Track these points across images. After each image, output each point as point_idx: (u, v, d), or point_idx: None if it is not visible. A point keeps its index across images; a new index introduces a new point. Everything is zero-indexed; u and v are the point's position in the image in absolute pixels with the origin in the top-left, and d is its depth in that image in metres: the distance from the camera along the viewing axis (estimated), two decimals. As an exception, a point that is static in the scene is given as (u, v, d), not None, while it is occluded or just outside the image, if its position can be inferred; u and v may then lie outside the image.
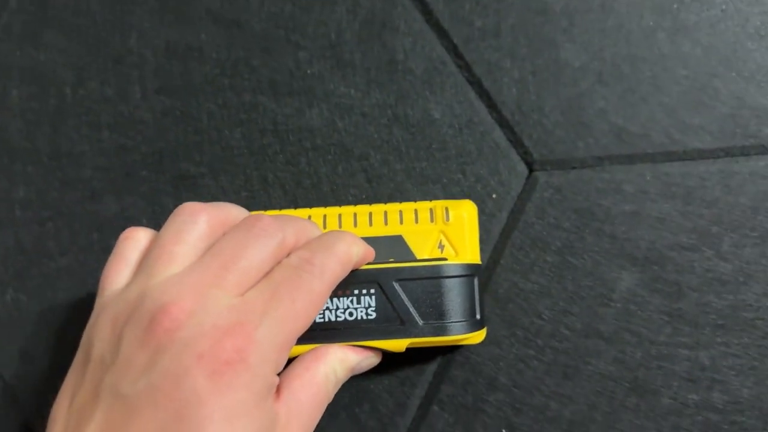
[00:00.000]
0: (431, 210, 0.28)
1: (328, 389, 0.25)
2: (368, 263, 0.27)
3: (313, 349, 0.26)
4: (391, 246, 0.28)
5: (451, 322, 0.26)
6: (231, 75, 0.32)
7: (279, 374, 0.23)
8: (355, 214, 0.28)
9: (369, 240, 0.27)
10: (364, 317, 0.26)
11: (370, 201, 0.32)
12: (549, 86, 0.32)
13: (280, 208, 0.32)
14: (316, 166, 0.32)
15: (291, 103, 0.32)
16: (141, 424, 0.20)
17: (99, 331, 0.22)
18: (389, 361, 0.29)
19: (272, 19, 0.32)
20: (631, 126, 0.31)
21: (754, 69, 0.31)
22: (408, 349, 0.27)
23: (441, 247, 0.28)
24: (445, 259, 0.27)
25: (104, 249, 0.32)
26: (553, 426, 0.30)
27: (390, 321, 0.26)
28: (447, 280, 0.26)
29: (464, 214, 0.28)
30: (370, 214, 0.28)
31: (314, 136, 0.32)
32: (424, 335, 0.26)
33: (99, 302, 0.24)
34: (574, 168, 0.32)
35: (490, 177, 0.32)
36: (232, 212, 0.25)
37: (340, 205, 0.30)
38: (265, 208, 0.32)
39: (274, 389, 0.22)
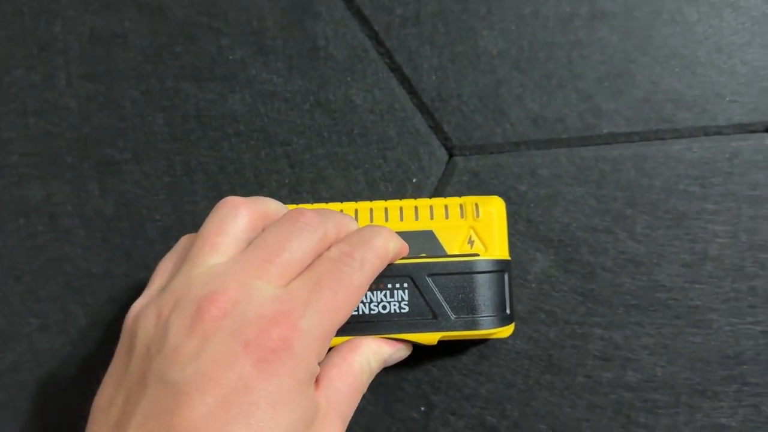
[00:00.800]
0: (461, 206, 0.29)
1: (363, 379, 0.26)
2: (401, 258, 0.27)
3: (348, 341, 0.26)
4: (422, 241, 0.28)
5: (483, 316, 0.27)
6: (154, 61, 0.33)
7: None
8: (386, 209, 0.29)
9: (400, 235, 0.28)
10: (397, 311, 0.27)
11: (292, 186, 0.32)
12: (468, 73, 0.32)
13: (203, 193, 0.32)
14: (239, 152, 0.32)
15: (213, 89, 0.32)
16: (189, 409, 0.20)
17: (144, 321, 0.23)
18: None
19: (195, 5, 0.33)
20: (547, 112, 0.32)
21: (668, 54, 0.32)
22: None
23: (470, 242, 0.28)
24: (478, 255, 0.28)
25: (30, 234, 0.32)
26: (470, 403, 0.31)
27: (422, 315, 0.27)
28: (479, 276, 0.27)
29: (493, 210, 0.29)
30: (401, 209, 0.29)
31: (237, 121, 0.32)
32: (456, 329, 0.27)
33: (146, 293, 0.25)
34: (492, 153, 0.32)
35: (411, 162, 0.32)
36: (271, 206, 0.26)
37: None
38: (189, 194, 0.32)
39: (315, 378, 0.23)
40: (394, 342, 0.27)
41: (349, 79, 0.32)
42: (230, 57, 0.32)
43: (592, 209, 0.31)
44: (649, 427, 0.31)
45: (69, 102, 0.33)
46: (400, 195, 0.32)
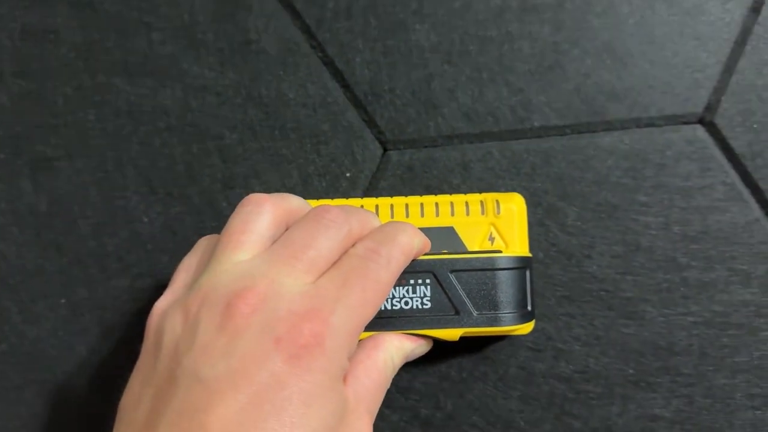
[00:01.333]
0: (482, 202, 0.29)
1: (387, 375, 0.26)
2: (424, 254, 0.27)
3: (371, 337, 0.26)
4: (443, 237, 0.28)
5: (505, 313, 0.27)
6: (86, 57, 0.32)
7: None
8: (406, 205, 0.29)
9: (421, 231, 0.28)
10: (420, 306, 0.27)
11: (225, 180, 0.32)
12: (400, 67, 0.32)
13: (134, 188, 0.32)
14: (171, 147, 0.32)
15: (145, 83, 0.32)
16: (222, 406, 0.20)
17: (171, 319, 0.22)
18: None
19: (125, 0, 0.33)
20: (479, 105, 0.32)
21: (600, 47, 0.32)
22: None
23: (491, 239, 0.28)
24: (500, 252, 0.28)
25: (-38, 233, 0.32)
26: (404, 396, 0.31)
27: (444, 311, 0.27)
28: (501, 272, 0.27)
29: (514, 207, 0.29)
30: (422, 205, 0.29)
31: (168, 116, 0.32)
32: (478, 325, 0.27)
33: (170, 292, 0.24)
34: (425, 147, 0.32)
35: (345, 156, 0.32)
36: (294, 203, 0.26)
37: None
38: (120, 189, 0.32)
39: (344, 374, 0.23)
40: (415, 337, 0.27)
41: (281, 72, 0.32)
42: (161, 51, 0.32)
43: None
44: (582, 417, 0.31)
45: (1, 99, 0.33)
46: (334, 190, 0.32)
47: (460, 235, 0.28)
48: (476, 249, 0.28)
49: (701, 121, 0.32)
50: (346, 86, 0.32)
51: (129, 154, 0.32)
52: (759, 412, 0.31)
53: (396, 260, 0.25)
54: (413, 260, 0.27)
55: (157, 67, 0.32)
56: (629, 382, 0.31)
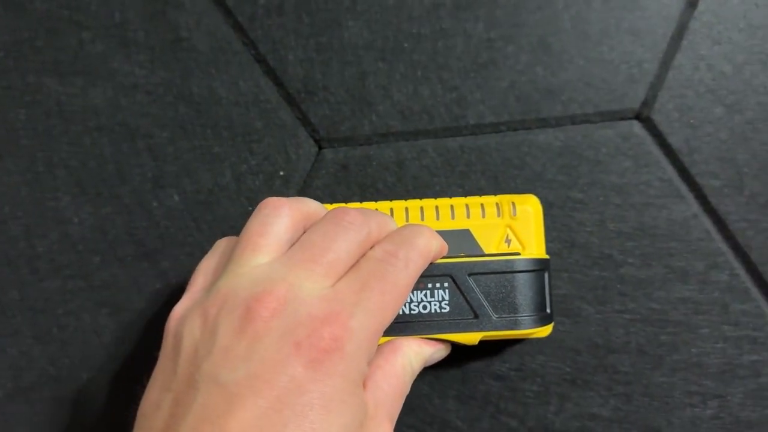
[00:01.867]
0: (497, 204, 0.28)
1: (406, 380, 0.25)
2: (441, 257, 0.27)
3: (389, 341, 0.26)
4: (459, 240, 0.28)
5: (524, 316, 0.27)
6: (16, 57, 0.32)
7: None
8: (421, 208, 0.28)
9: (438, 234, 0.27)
10: (438, 310, 0.26)
11: (156, 180, 0.32)
12: (334, 64, 0.32)
13: (65, 189, 0.32)
14: (101, 146, 0.32)
15: (75, 83, 0.32)
16: (242, 411, 0.20)
17: (190, 323, 0.22)
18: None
19: (56, -1, 0.32)
20: (413, 103, 0.32)
21: (534, 43, 0.32)
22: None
23: (508, 241, 0.28)
24: (518, 254, 0.27)
25: None
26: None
27: (463, 314, 0.26)
28: (520, 275, 0.27)
29: (530, 208, 0.28)
30: (437, 208, 0.28)
31: (98, 115, 0.32)
32: (497, 329, 0.26)
33: (188, 295, 0.24)
34: (360, 145, 0.32)
35: (278, 155, 0.32)
36: (312, 206, 0.25)
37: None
38: (51, 190, 0.32)
39: (364, 379, 0.23)
40: (433, 342, 0.27)
41: (213, 70, 0.32)
42: (92, 50, 0.32)
43: (457, 199, 0.31)
44: (519, 416, 0.31)
45: (-69, 99, 0.32)
46: (268, 188, 0.31)
47: (477, 237, 0.28)
48: (493, 251, 0.28)
49: (638, 117, 0.32)
50: (279, 84, 0.32)
51: (59, 155, 0.32)
52: (698, 409, 0.31)
53: (414, 263, 0.24)
54: (431, 264, 0.26)
55: (87, 66, 0.32)
56: (566, 381, 0.31)
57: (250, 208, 0.31)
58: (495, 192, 0.31)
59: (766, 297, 0.31)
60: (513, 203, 0.28)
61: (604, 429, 0.31)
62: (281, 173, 0.32)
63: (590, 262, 0.31)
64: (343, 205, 0.27)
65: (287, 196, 0.31)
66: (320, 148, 0.32)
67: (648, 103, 0.32)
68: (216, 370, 0.21)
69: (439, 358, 0.28)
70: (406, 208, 0.28)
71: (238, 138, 0.32)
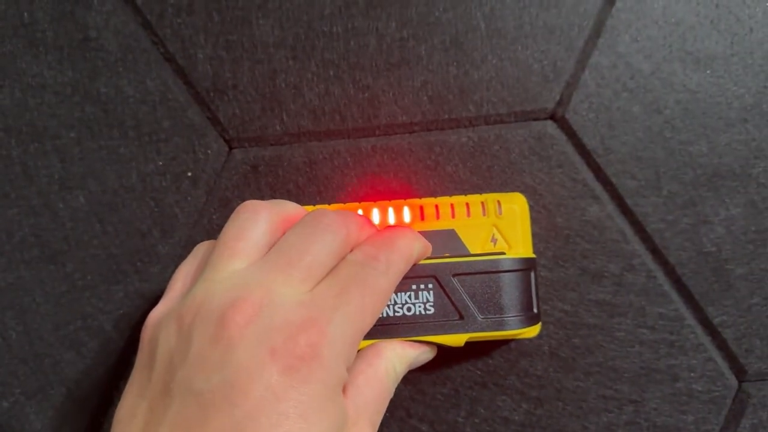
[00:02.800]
0: (483, 203, 0.28)
1: (389, 385, 0.25)
2: (425, 258, 0.26)
3: (372, 345, 0.26)
4: (444, 240, 0.27)
5: (510, 316, 0.26)
6: (-77, 56, 0.32)
7: None
8: (405, 208, 0.28)
9: (422, 234, 0.27)
10: (423, 312, 0.26)
11: (62, 181, 0.31)
12: (244, 63, 0.31)
13: (-29, 190, 0.31)
14: (8, 147, 0.31)
15: (-18, 83, 0.32)
16: (217, 420, 0.19)
17: (165, 330, 0.22)
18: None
19: (-37, -2, 0.32)
20: (325, 102, 0.31)
21: (447, 42, 0.31)
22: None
23: (494, 240, 0.27)
24: (503, 253, 0.27)
25: None
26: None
27: (448, 316, 0.26)
28: (505, 275, 0.26)
29: (516, 207, 0.28)
30: (421, 208, 0.28)
31: (5, 116, 0.31)
32: (483, 330, 0.26)
33: (164, 301, 0.24)
34: (271, 145, 0.31)
35: (186, 155, 0.31)
36: (290, 209, 0.25)
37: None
38: (-43, 191, 0.31)
39: (343, 385, 0.22)
40: (418, 344, 0.26)
41: (120, 69, 0.31)
42: (0, 50, 0.32)
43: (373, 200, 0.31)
44: (428, 420, 0.30)
45: None
46: (176, 189, 0.31)
47: (462, 237, 0.27)
48: (479, 251, 0.27)
49: (552, 117, 0.31)
50: (188, 83, 0.31)
51: (-34, 155, 0.31)
52: (612, 414, 0.30)
53: (396, 266, 0.24)
54: (415, 265, 0.26)
55: (-5, 66, 0.32)
56: (477, 384, 0.30)
57: (157, 210, 0.31)
58: (408, 194, 0.31)
59: (683, 300, 0.31)
60: (498, 202, 0.28)
61: (516, 434, 0.30)
62: (189, 174, 0.31)
63: (502, 264, 0.31)
64: (324, 206, 0.27)
65: (195, 196, 0.31)
66: (230, 148, 0.32)
67: (563, 102, 0.31)
68: (190, 379, 0.20)
69: (425, 361, 0.27)
70: (390, 209, 0.28)
71: (145, 138, 0.31)
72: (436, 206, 0.28)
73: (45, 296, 0.31)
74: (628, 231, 0.31)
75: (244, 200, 0.30)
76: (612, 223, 0.31)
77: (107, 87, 0.31)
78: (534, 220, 0.31)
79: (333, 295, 0.22)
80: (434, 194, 0.31)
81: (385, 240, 0.25)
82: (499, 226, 0.28)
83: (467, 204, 0.28)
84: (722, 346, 0.31)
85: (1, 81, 0.31)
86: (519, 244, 0.28)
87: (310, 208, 0.27)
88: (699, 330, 0.31)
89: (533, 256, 0.28)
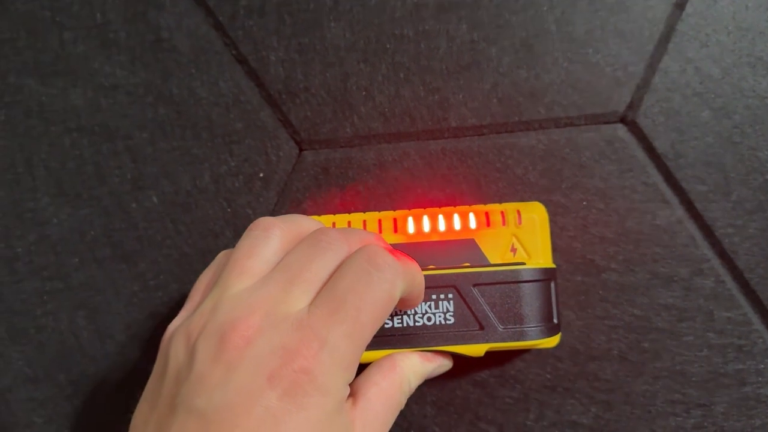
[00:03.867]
0: (503, 213, 0.28)
1: (401, 398, 0.25)
2: (445, 268, 0.26)
3: (389, 356, 0.26)
4: (464, 250, 0.27)
5: (530, 326, 0.26)
6: (-3, 56, 0.32)
7: (355, 380, 0.23)
8: (425, 217, 0.28)
9: (441, 244, 0.27)
10: (443, 322, 0.26)
11: (135, 181, 0.31)
12: (315, 65, 0.32)
13: (44, 189, 0.31)
14: (80, 147, 0.31)
15: (56, 83, 0.32)
16: None
17: (175, 344, 0.22)
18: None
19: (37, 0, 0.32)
20: (395, 105, 0.31)
21: (518, 45, 0.31)
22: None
23: (513, 250, 0.28)
24: (524, 264, 0.27)
25: None
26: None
27: (469, 326, 0.26)
28: (525, 285, 0.26)
29: (535, 216, 0.28)
30: (441, 218, 0.28)
31: (78, 116, 0.32)
32: (503, 340, 0.26)
33: (182, 312, 0.25)
34: (341, 147, 0.32)
35: (258, 157, 0.32)
36: (304, 225, 0.25)
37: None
38: (30, 191, 0.32)
39: (345, 400, 0.22)
40: (437, 356, 0.27)
41: (193, 71, 0.32)
42: (73, 51, 0.32)
43: (440, 204, 0.31)
44: (497, 423, 0.30)
45: None
46: (248, 191, 0.31)
47: (482, 247, 0.27)
48: (498, 261, 0.27)
49: (623, 121, 0.31)
50: (260, 85, 0.32)
51: (39, 155, 0.32)
52: (680, 418, 0.30)
53: (400, 272, 0.23)
54: (435, 275, 0.26)
55: (68, 66, 0.32)
56: (546, 388, 0.31)
57: (229, 210, 0.31)
58: (478, 197, 0.31)
59: (751, 304, 0.31)
60: (518, 211, 0.28)
61: (585, 437, 0.30)
62: (261, 175, 0.31)
63: (572, 268, 0.31)
64: (348, 217, 0.27)
65: (267, 198, 0.31)
66: (301, 149, 0.32)
67: (633, 106, 0.31)
68: (192, 396, 0.21)
69: (441, 372, 0.27)
70: (410, 218, 0.28)
71: (218, 139, 0.32)
72: (455, 215, 0.28)
73: (117, 296, 0.31)
74: (698, 236, 0.31)
75: (315, 201, 0.30)
76: (682, 227, 0.31)
77: (180, 88, 0.32)
78: (604, 224, 0.31)
79: (328, 312, 0.22)
80: (501, 197, 0.31)
81: (390, 249, 0.24)
82: (518, 236, 0.28)
83: (487, 213, 0.28)
84: (791, 351, 0.31)
85: (73, 81, 0.32)
86: (539, 254, 0.28)
87: (330, 218, 0.27)
88: (767, 335, 0.31)
89: (553, 266, 0.28)
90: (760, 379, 0.30)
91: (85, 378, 0.31)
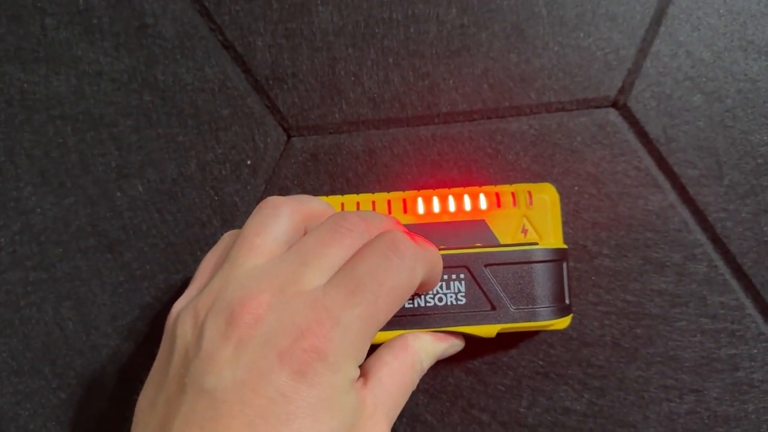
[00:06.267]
0: (513, 194, 0.27)
1: (413, 378, 0.25)
2: (457, 248, 0.26)
3: (401, 336, 0.25)
4: (474, 231, 0.27)
5: (542, 307, 0.26)
6: (-23, 43, 0.31)
7: (366, 360, 0.23)
8: (435, 198, 0.27)
9: (452, 225, 0.27)
10: (454, 303, 0.26)
11: (120, 169, 0.31)
12: (303, 51, 0.31)
13: (28, 179, 0.31)
14: (64, 135, 0.31)
15: (38, 70, 0.31)
16: (229, 418, 0.20)
17: (182, 323, 0.22)
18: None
19: (17, -16, 0.32)
20: (384, 90, 0.31)
21: (508, 29, 0.31)
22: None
23: (524, 231, 0.27)
24: (536, 244, 0.26)
25: None
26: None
27: (480, 306, 0.26)
28: (538, 265, 0.26)
29: (546, 197, 0.28)
30: (451, 198, 0.27)
31: (62, 104, 0.31)
32: (515, 321, 0.26)
33: (187, 292, 0.24)
34: (330, 133, 0.31)
35: (246, 143, 0.31)
36: (314, 206, 0.25)
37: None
38: (13, 180, 0.31)
39: (356, 380, 0.22)
40: (448, 336, 0.26)
41: (178, 57, 0.31)
42: (55, 37, 0.31)
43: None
44: (490, 410, 0.30)
45: None
46: (235, 178, 0.31)
47: (493, 228, 0.27)
48: (509, 242, 0.27)
49: (614, 105, 0.31)
50: (246, 71, 0.31)
51: (22, 144, 0.31)
52: (673, 404, 0.30)
53: (421, 260, 0.23)
54: (446, 255, 0.26)
55: (50, 53, 0.31)
56: (538, 374, 0.30)
57: (216, 198, 0.31)
58: (470, 182, 0.31)
59: (744, 289, 0.31)
60: (529, 192, 0.28)
61: (577, 423, 0.30)
62: (249, 162, 0.31)
63: (564, 254, 0.30)
64: (358, 197, 0.26)
65: (255, 185, 0.31)
66: (289, 136, 0.31)
67: (625, 90, 0.31)
68: (202, 376, 0.20)
69: (452, 353, 0.27)
70: (419, 198, 0.27)
71: (204, 126, 0.31)
72: (466, 196, 0.27)
73: (102, 286, 0.31)
74: (690, 220, 0.31)
75: (303, 189, 0.30)
76: (674, 212, 0.31)
77: (165, 74, 0.31)
78: (596, 209, 0.30)
79: (345, 293, 0.21)
80: (494, 183, 0.31)
81: (411, 235, 0.24)
82: (529, 217, 0.27)
83: (497, 194, 0.28)
84: (783, 335, 0.30)
85: (57, 68, 0.31)
86: (550, 235, 0.27)
87: (338, 198, 0.26)
88: (759, 319, 0.31)
89: (565, 246, 0.28)
90: (753, 363, 0.30)
91: (70, 370, 0.31)
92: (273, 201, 0.24)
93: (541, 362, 0.30)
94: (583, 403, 0.30)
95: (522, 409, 0.30)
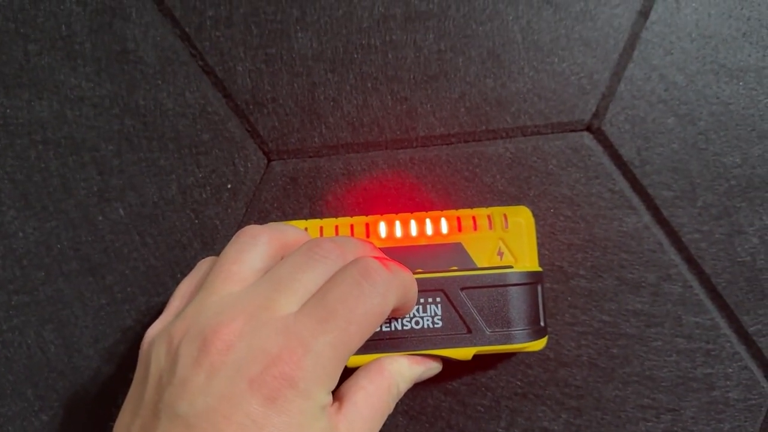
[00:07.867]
0: (489, 217, 0.28)
1: (389, 402, 0.25)
2: (433, 272, 0.26)
3: (377, 360, 0.25)
4: (451, 253, 0.27)
5: (517, 329, 0.26)
6: (-39, 68, 0.32)
7: (342, 384, 0.24)
8: (412, 221, 0.28)
9: (429, 248, 0.27)
10: (431, 326, 0.26)
11: (101, 193, 0.31)
12: (283, 75, 0.32)
13: (10, 203, 0.31)
14: (46, 160, 0.31)
15: (21, 95, 0.31)
16: None
17: (156, 349, 0.22)
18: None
19: (1, 11, 0.32)
20: (363, 115, 0.31)
21: (484, 54, 0.32)
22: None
23: (500, 254, 0.28)
24: (511, 267, 0.27)
25: None
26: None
27: (456, 329, 0.26)
28: (512, 288, 0.26)
29: (522, 220, 0.28)
30: (428, 221, 0.28)
31: (44, 128, 0.31)
32: (491, 343, 0.26)
33: (162, 317, 0.25)
34: (309, 157, 0.32)
35: (226, 167, 0.31)
36: (291, 234, 0.25)
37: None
38: (-5, 204, 0.31)
39: (329, 406, 0.22)
40: (425, 359, 0.26)
41: (159, 82, 0.31)
42: (38, 63, 0.31)
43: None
44: (468, 431, 0.30)
45: None
46: (216, 202, 0.31)
47: (469, 251, 0.27)
48: (486, 265, 0.27)
49: (589, 128, 0.32)
50: (227, 95, 0.32)
51: (4, 168, 0.31)
52: (650, 423, 0.31)
53: (393, 286, 0.23)
54: (422, 278, 0.26)
55: (33, 78, 0.32)
56: (516, 395, 0.31)
57: (197, 222, 0.31)
58: (446, 205, 0.31)
59: (719, 309, 0.31)
60: (505, 215, 0.28)
61: (555, 443, 0.30)
62: (229, 186, 0.31)
63: (541, 275, 0.31)
64: (325, 221, 0.27)
65: (235, 209, 0.31)
66: (269, 160, 0.32)
67: (599, 114, 0.31)
68: (175, 401, 0.21)
69: (430, 376, 0.27)
70: (397, 222, 0.28)
71: (185, 150, 0.31)
72: (443, 219, 0.28)
73: (84, 309, 0.31)
74: (665, 241, 0.31)
75: (284, 212, 0.30)
76: (649, 233, 0.31)
77: (146, 99, 0.31)
78: (572, 231, 0.31)
79: (316, 320, 0.22)
80: (471, 205, 0.31)
81: (385, 261, 0.24)
82: (505, 240, 0.28)
83: (474, 217, 0.28)
84: (757, 354, 0.31)
85: (39, 93, 0.31)
86: (525, 258, 0.28)
87: (317, 222, 0.27)
88: (734, 339, 0.31)
89: (540, 269, 0.28)
90: (728, 382, 0.31)
91: (53, 392, 0.31)
92: (251, 230, 0.24)
93: (519, 383, 0.31)
94: (561, 423, 0.30)
95: (500, 430, 0.30)
